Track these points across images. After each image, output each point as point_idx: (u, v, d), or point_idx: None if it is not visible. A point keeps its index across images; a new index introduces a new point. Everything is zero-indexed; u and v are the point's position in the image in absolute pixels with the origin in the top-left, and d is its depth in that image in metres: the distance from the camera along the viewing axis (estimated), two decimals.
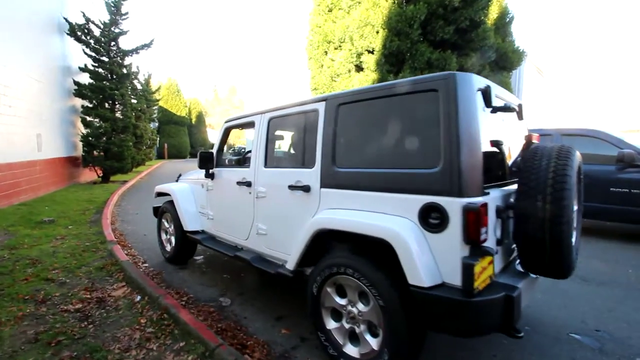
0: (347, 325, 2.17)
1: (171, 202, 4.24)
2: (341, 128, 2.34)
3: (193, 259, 4.42)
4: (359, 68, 11.20)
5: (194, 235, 3.83)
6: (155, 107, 21.23)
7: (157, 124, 27.45)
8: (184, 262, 4.27)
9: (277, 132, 2.99)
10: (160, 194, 4.54)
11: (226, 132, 3.61)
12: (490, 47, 10.12)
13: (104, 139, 11.89)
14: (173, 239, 4.24)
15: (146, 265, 4.22)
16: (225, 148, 3.75)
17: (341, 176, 2.28)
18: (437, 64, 9.62)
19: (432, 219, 1.81)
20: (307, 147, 2.60)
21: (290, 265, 2.52)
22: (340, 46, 11.91)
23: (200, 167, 3.54)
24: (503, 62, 11.52)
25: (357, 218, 2.06)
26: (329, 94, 2.46)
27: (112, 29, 12.02)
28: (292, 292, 3.40)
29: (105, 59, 12.05)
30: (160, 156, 27.93)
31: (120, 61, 12.44)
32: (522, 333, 1.77)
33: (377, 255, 2.02)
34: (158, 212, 4.51)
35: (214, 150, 3.61)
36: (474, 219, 1.67)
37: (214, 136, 53.50)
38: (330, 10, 12.19)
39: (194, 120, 36.57)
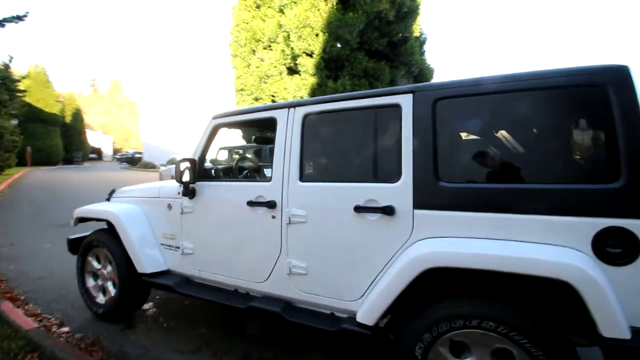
0: None
1: (108, 232, 2.92)
2: (445, 130, 1.76)
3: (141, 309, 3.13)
4: (292, 71, 10.64)
5: (156, 278, 2.66)
6: (16, 99, 16.48)
7: (16, 122, 21.56)
8: (128, 317, 2.97)
9: (319, 133, 2.19)
10: (83, 220, 3.12)
11: (214, 133, 2.59)
12: (415, 63, 10.82)
13: None
14: (111, 286, 2.92)
15: (67, 330, 2.78)
16: (208, 154, 2.70)
17: (451, 194, 1.69)
18: (373, 73, 9.79)
19: (611, 248, 1.39)
20: (382, 154, 1.93)
21: (370, 317, 1.78)
22: (270, 46, 11.17)
23: (179, 180, 2.45)
24: (421, 77, 12.52)
25: (504, 251, 1.50)
26: (415, 85, 1.85)
27: None
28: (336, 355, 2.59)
29: None
30: (21, 163, 21.92)
31: None
32: None
33: (517, 300, 1.52)
34: (80, 246, 3.08)
35: (195, 157, 2.55)
36: None
37: (95, 139, 45.12)
38: (258, 7, 11.35)
39: (68, 118, 30.14)
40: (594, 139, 1.53)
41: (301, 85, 9.80)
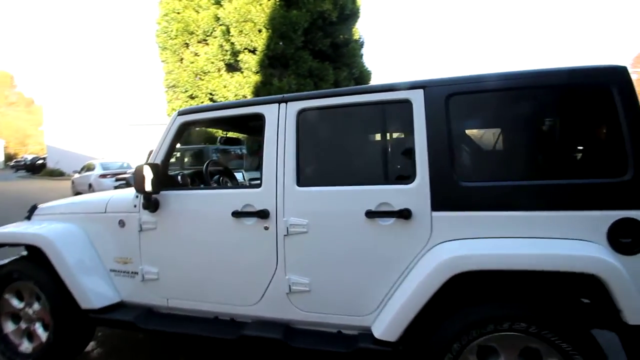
0: None
1: (31, 260, 2.28)
2: (460, 127, 1.68)
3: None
4: (232, 67, 10.04)
5: (108, 314, 2.13)
6: None
7: None
8: None
9: (318, 132, 1.94)
10: None
11: (180, 132, 2.16)
12: (357, 65, 11.06)
13: None
14: (40, 328, 2.28)
15: None
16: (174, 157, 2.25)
17: (470, 193, 1.61)
18: (317, 73, 9.72)
19: (623, 239, 1.46)
20: (393, 154, 1.77)
21: (392, 332, 1.61)
22: (206, 40, 10.40)
23: (140, 189, 1.98)
24: (360, 80, 12.88)
25: (534, 250, 1.48)
26: (426, 80, 1.72)
27: None
28: None
29: None
30: None
31: None
32: None
33: (543, 298, 1.52)
34: None
35: (158, 161, 2.10)
36: None
37: None
38: None
39: None
40: (603, 135, 1.58)
41: (244, 84, 9.28)
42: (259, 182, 1.97)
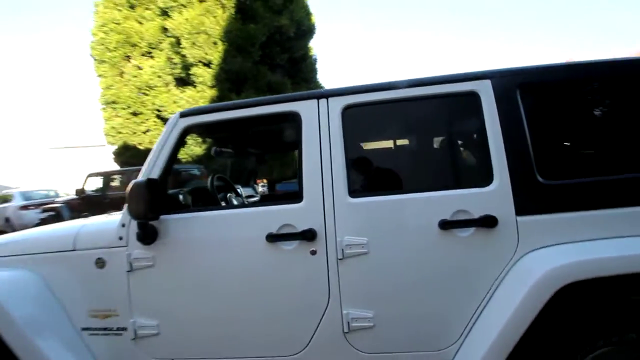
0: None
1: None
2: (534, 119, 1.49)
3: None
4: (182, 82, 9.33)
5: None
6: None
7: None
8: None
9: (369, 131, 1.62)
10: None
11: (182, 138, 1.68)
12: (314, 80, 11.03)
13: None
14: None
15: None
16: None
17: (556, 193, 1.43)
18: (276, 88, 9.43)
19: None
20: (463, 153, 1.52)
21: None
22: (151, 52, 9.59)
23: (136, 214, 1.46)
24: None
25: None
26: (491, 70, 1.53)
27: None
28: None
29: None
30: None
31: None
32: None
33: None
34: None
35: (154, 176, 1.59)
36: None
37: None
38: (132, 7, 9.66)
39: None
40: None
41: (198, 98, 8.63)
42: (295, 195, 1.58)
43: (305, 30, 9.77)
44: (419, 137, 1.67)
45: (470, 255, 1.44)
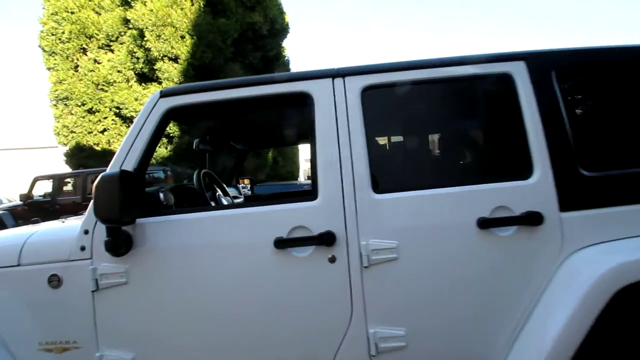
0: None
1: None
2: (574, 105, 1.37)
3: None
4: (145, 77, 8.67)
5: None
6: None
7: None
8: None
9: (390, 116, 1.39)
10: None
11: (163, 124, 1.36)
12: None
13: None
14: None
15: None
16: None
17: (600, 185, 1.29)
18: None
19: None
20: (497, 140, 1.36)
21: None
22: (110, 45, 8.85)
23: (106, 216, 1.12)
24: None
25: None
26: (526, 51, 1.37)
27: None
28: None
29: None
30: None
31: None
32: None
33: None
34: None
35: (129, 167, 1.26)
36: None
37: None
38: None
39: None
40: None
41: None
42: (307, 192, 1.32)
43: (279, 28, 9.49)
44: (448, 123, 1.47)
45: (512, 258, 1.26)
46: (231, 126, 1.96)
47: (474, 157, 1.46)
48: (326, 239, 1.22)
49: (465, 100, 1.42)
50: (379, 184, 1.28)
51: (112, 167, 1.26)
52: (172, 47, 7.83)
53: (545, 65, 1.35)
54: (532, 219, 1.24)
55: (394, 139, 1.46)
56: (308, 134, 1.33)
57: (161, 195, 1.55)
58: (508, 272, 1.26)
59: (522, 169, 1.30)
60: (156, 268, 1.25)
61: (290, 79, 1.35)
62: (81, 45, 8.91)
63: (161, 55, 7.93)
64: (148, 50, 8.00)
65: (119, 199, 1.10)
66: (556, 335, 1.15)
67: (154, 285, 1.25)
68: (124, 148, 1.30)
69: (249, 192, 3.02)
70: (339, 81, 1.34)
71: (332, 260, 1.24)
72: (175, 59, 7.99)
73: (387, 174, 1.35)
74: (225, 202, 1.98)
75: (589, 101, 1.44)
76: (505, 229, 1.25)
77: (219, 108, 1.48)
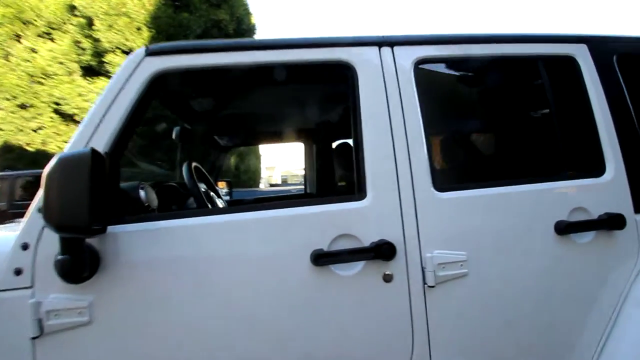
0: None
1: None
2: (636, 94, 1.21)
3: None
4: (91, 71, 7.77)
5: None
6: None
7: None
8: None
9: (449, 96, 1.13)
10: None
11: (151, 92, 0.96)
12: None
13: None
14: None
15: None
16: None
17: None
18: None
19: None
20: (565, 130, 1.15)
21: None
22: (50, 33, 7.84)
23: (67, 220, 0.71)
24: None
25: None
26: (587, 34, 1.20)
27: None
28: None
29: None
30: None
31: None
32: None
33: None
34: None
35: (100, 149, 0.85)
36: None
37: None
38: None
39: None
40: None
41: None
42: (350, 188, 1.01)
43: (246, 29, 9.08)
44: (513, 108, 1.25)
45: (590, 268, 1.06)
46: (234, 108, 1.54)
47: (542, 149, 1.25)
48: (383, 252, 0.91)
49: (529, 84, 1.22)
50: (441, 181, 1.01)
51: (73, 147, 0.85)
52: (126, 39, 7.09)
53: (607, 50, 1.20)
54: (614, 223, 1.04)
55: (454, 124, 1.20)
56: (350, 113, 1.03)
57: (141, 192, 1.12)
58: (588, 285, 1.05)
59: (593, 164, 1.11)
60: (136, 300, 0.85)
61: (324, 44, 1.04)
62: (15, 31, 7.78)
63: (113, 47, 7.15)
64: (97, 40, 7.18)
65: (88, 193, 0.70)
66: None
67: (131, 326, 0.84)
68: (93, 120, 0.89)
69: (228, 197, 2.61)
70: (386, 51, 1.05)
71: (388, 278, 0.93)
72: (128, 52, 7.22)
73: (449, 168, 1.08)
74: (220, 205, 1.58)
75: None
76: (584, 234, 1.04)
77: (224, 78, 1.11)
